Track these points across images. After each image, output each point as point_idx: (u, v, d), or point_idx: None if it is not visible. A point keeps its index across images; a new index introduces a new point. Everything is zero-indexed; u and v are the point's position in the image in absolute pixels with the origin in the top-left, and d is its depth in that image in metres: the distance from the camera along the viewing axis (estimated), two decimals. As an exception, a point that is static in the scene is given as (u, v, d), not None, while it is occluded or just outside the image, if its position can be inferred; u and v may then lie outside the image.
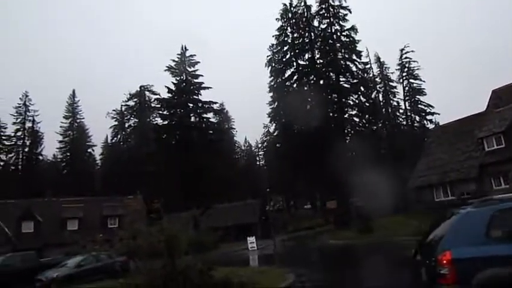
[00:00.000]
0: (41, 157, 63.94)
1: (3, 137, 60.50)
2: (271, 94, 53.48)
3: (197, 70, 54.95)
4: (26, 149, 61.96)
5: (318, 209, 54.69)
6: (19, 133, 61.40)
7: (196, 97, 54.33)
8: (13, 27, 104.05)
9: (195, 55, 55.31)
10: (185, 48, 54.96)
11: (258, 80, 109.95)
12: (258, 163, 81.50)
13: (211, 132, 54.11)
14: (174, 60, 54.27)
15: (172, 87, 53.52)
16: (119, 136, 66.26)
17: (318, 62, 48.31)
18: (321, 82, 46.96)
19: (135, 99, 65.59)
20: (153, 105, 62.14)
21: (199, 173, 44.74)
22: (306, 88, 47.42)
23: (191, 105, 53.76)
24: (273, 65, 51.50)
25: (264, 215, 47.22)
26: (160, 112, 55.14)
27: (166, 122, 53.71)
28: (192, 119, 53.67)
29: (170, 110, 53.19)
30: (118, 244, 9.21)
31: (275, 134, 57.13)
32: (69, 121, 65.57)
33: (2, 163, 60.93)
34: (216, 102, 57.93)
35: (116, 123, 65.83)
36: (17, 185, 53.67)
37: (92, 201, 41.69)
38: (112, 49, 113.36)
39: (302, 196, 63.63)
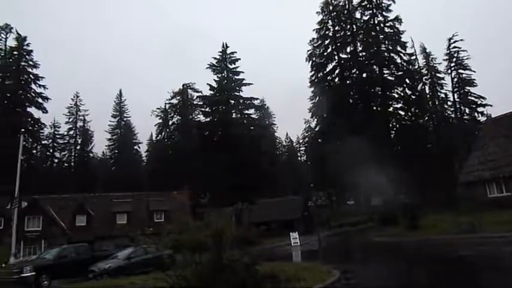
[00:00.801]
0: (91, 154, 67.24)
1: (58, 136, 64.09)
2: (312, 89, 52.89)
3: (238, 67, 55.22)
4: (78, 147, 65.29)
5: (361, 205, 53.54)
6: (71, 132, 64.86)
7: (238, 94, 54.67)
8: (62, 29, 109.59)
9: (235, 52, 55.64)
10: (226, 45, 55.39)
11: (298, 75, 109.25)
12: (299, 159, 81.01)
13: (252, 128, 54.32)
14: (215, 58, 54.88)
15: (214, 85, 54.19)
16: (163, 133, 68.12)
17: (360, 54, 47.17)
18: (364, 75, 45.82)
19: (178, 97, 67.09)
20: (195, 102, 63.29)
21: (241, 168, 45.09)
22: (348, 82, 46.43)
23: (232, 101, 54.17)
24: (314, 59, 50.85)
25: (306, 210, 46.89)
26: (203, 109, 56.03)
27: (208, 119, 54.52)
28: (234, 115, 54.10)
29: (212, 107, 53.89)
30: (166, 237, 9.42)
31: (316, 129, 56.49)
32: (117, 120, 68.32)
33: (56, 160, 64.66)
34: (256, 98, 58.12)
35: (160, 120, 67.73)
36: (70, 180, 56.66)
37: (140, 196, 43.20)
38: (155, 48, 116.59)
39: (345, 192, 62.52)
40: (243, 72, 55.04)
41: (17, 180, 26.58)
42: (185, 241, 8.57)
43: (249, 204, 42.76)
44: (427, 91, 54.56)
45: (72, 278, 17.90)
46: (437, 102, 55.43)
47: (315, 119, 54.43)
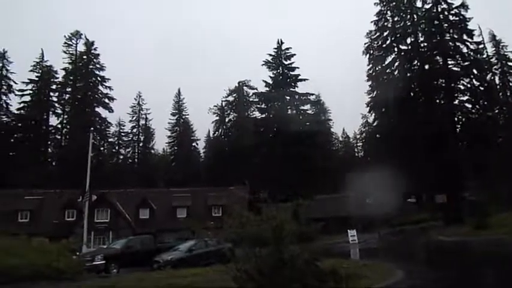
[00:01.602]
0: (153, 151, 70.40)
1: (122, 134, 67.85)
2: (369, 83, 51.25)
3: (293, 63, 55.04)
4: (141, 144, 68.68)
5: (423, 203, 51.09)
6: (134, 130, 68.30)
7: (293, 89, 54.47)
8: (122, 29, 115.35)
9: (290, 48, 55.44)
10: (281, 41, 55.38)
11: (354, 70, 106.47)
12: (356, 154, 79.02)
13: (308, 124, 53.84)
14: (270, 55, 55.09)
15: (270, 81, 54.41)
16: (220, 130, 69.61)
17: (422, 45, 44.77)
18: (426, 67, 43.47)
19: (234, 95, 68.18)
20: (251, 99, 63.98)
21: (298, 164, 44.92)
22: (408, 74, 44.33)
23: (288, 97, 54.05)
24: (372, 52, 49.16)
25: (364, 208, 45.65)
26: (258, 106, 56.51)
27: (264, 115, 54.87)
28: (289, 111, 53.96)
29: (268, 103, 54.15)
30: (226, 231, 9.59)
31: (374, 124, 54.70)
32: (176, 118, 70.78)
33: (121, 157, 68.54)
34: (312, 94, 57.56)
35: (217, 118, 69.25)
36: (134, 176, 59.76)
37: (198, 191, 44.51)
38: (211, 46, 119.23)
39: (405, 189, 59.97)
40: (298, 67, 54.76)
41: (88, 175, 28.53)
42: (245, 235, 8.67)
43: (307, 200, 42.48)
44: (497, 82, 50.69)
45: (138, 267, 18.90)
46: (508, 94, 51.37)
47: (373, 114, 52.72)
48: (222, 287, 8.73)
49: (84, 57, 61.06)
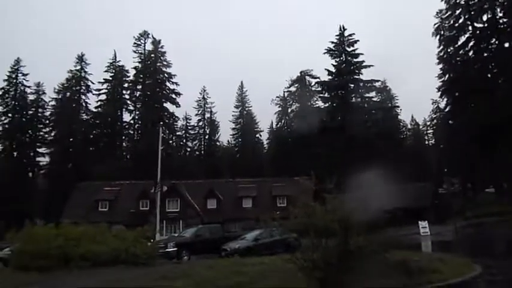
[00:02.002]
0: (218, 143, 72.34)
1: (189, 127, 70.63)
2: (440, 66, 48.16)
3: (357, 49, 53.34)
4: (206, 137, 71.00)
5: (504, 193, 47.18)
6: (200, 123, 70.70)
7: (357, 77, 52.84)
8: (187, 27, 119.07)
9: (353, 34, 53.73)
10: (343, 28, 53.85)
11: (423, 53, 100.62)
12: (426, 142, 74.89)
13: (373, 111, 52.02)
14: (332, 42, 53.84)
15: (332, 69, 53.26)
16: (282, 121, 69.66)
17: (500, 22, 41.08)
18: (506, 45, 39.83)
19: (297, 85, 67.65)
20: (313, 89, 63.12)
21: (363, 154, 43.60)
22: (485, 54, 40.95)
23: (352, 85, 52.58)
24: (442, 33, 46.13)
25: (436, 198, 43.30)
26: (321, 95, 55.64)
27: (327, 105, 53.94)
28: (354, 99, 52.52)
29: (331, 92, 53.16)
30: (292, 221, 9.60)
31: (447, 109, 51.39)
32: (239, 110, 72.01)
33: (189, 149, 71.42)
34: (377, 81, 55.38)
35: (280, 109, 69.34)
36: (201, 167, 61.93)
37: (263, 181, 45.03)
38: (271, 39, 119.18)
39: (483, 179, 55.81)
40: (362, 54, 52.97)
41: (158, 167, 30.08)
42: (311, 225, 8.63)
43: (374, 189, 41.21)
44: None
45: (207, 255, 19.66)
46: None
47: (445, 99, 49.56)
48: (289, 276, 8.78)
49: (152, 55, 64.21)
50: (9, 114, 60.40)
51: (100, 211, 40.53)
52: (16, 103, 60.89)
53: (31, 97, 62.49)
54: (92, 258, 13.53)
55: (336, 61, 53.52)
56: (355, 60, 53.13)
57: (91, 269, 12.69)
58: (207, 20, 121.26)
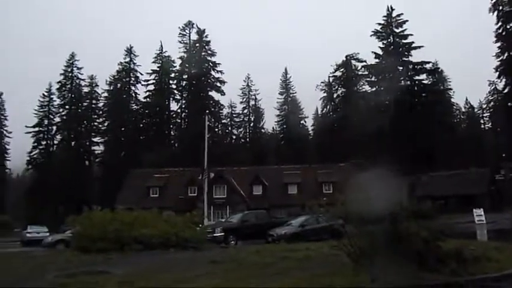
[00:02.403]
0: (263, 130, 72.58)
1: (234, 115, 71.35)
2: (498, 44, 44.99)
3: (405, 30, 51.09)
4: (251, 124, 71.44)
5: None
6: (245, 110, 71.19)
7: (406, 59, 50.68)
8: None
9: (402, 14, 51.40)
10: (391, 8, 51.64)
11: (478, 32, 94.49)
12: (482, 126, 70.73)
13: (424, 95, 49.79)
14: (380, 24, 51.89)
15: (380, 52, 51.42)
16: (328, 107, 68.47)
17: None
18: None
19: (342, 69, 66.06)
20: (360, 73, 61.35)
21: (412, 138, 42.11)
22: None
23: (401, 68, 50.54)
24: (501, 8, 42.99)
25: (493, 185, 41.00)
26: (368, 79, 53.98)
27: (374, 89, 52.33)
28: (402, 82, 50.51)
29: (378, 75, 51.44)
30: (338, 207, 9.49)
31: (505, 91, 48.11)
32: (284, 96, 71.51)
33: (234, 137, 72.28)
34: (428, 62, 52.73)
35: (325, 94, 68.11)
36: (246, 154, 62.52)
37: (309, 168, 44.77)
38: (316, 23, 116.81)
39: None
40: (411, 35, 50.68)
41: (205, 155, 30.77)
42: (358, 212, 8.49)
43: (424, 176, 39.73)
44: None
45: (254, 240, 19.95)
46: None
47: (503, 79, 46.38)
48: (335, 262, 8.73)
49: (197, 45, 65.16)
50: (67, 106, 64.12)
51: (151, 197, 42.27)
52: (72, 95, 64.46)
53: (85, 89, 65.91)
54: (144, 242, 14.18)
55: (383, 43, 51.62)
56: (403, 41, 50.94)
57: (144, 252, 13.31)
58: (250, 6, 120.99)
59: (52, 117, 64.08)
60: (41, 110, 63.64)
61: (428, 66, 52.98)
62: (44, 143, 63.18)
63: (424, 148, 42.46)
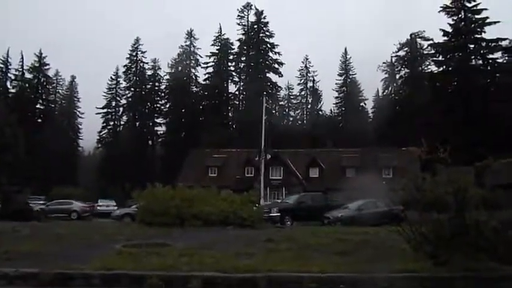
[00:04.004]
0: (320, 112, 71.37)
1: (291, 97, 70.99)
2: None
3: (479, 4, 47.03)
4: (309, 106, 70.63)
5: None
6: (303, 92, 70.61)
7: (479, 36, 46.85)
8: None
9: (474, -14, 47.36)
10: (463, -20, 47.70)
11: None
12: None
13: (498, 75, 45.92)
14: (449, -2, 48.22)
15: (448, 29, 47.96)
16: (390, 88, 65.68)
17: None
18: None
19: (406, 49, 62.74)
20: (425, 52, 57.89)
21: (483, 123, 39.20)
22: None
23: (472, 46, 46.91)
24: None
25: None
26: (435, 58, 50.72)
27: (441, 69, 49.14)
28: (474, 61, 46.91)
29: (446, 54, 48.15)
30: (399, 192, 9.15)
31: None
32: (343, 78, 69.69)
33: (291, 119, 71.96)
34: (504, 39, 48.24)
35: (387, 75, 65.26)
36: (303, 136, 62.03)
37: (368, 151, 43.54)
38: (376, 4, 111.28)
39: None
40: (486, 9, 46.60)
41: (262, 136, 31.06)
42: (421, 197, 8.10)
43: (496, 163, 36.98)
44: None
45: (309, 222, 19.96)
46: None
47: None
48: (394, 247, 8.47)
49: (255, 26, 65.15)
50: (132, 89, 67.69)
51: (210, 176, 43.62)
52: (137, 78, 67.70)
53: (149, 72, 68.85)
54: (203, 218, 14.70)
55: (453, 19, 48.03)
56: (476, 17, 47.04)
57: (203, 228, 13.83)
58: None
59: (119, 99, 68.16)
60: (109, 92, 67.90)
61: (504, 43, 48.53)
62: (111, 123, 67.52)
63: (497, 133, 39.38)
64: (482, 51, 46.82)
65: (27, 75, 64.56)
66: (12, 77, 63.40)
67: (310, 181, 40.79)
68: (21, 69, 63.76)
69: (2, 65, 62.14)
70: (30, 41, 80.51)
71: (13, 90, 63.72)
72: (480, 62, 47.35)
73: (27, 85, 64.15)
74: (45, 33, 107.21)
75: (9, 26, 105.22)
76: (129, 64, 67.82)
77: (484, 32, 46.66)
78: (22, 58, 63.50)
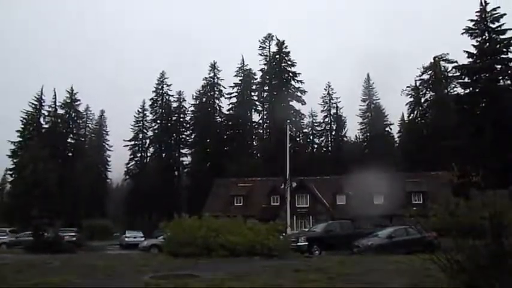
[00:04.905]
0: (345, 139, 70.75)
1: (315, 124, 70.82)
2: None
3: (503, 24, 46.35)
4: (333, 133, 70.14)
5: None
6: (326, 119, 70.19)
7: (505, 56, 45.95)
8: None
9: (498, 7, 46.84)
10: (485, 2, 47.36)
11: None
12: None
13: (528, 94, 44.53)
14: (472, 20, 47.80)
15: (473, 51, 47.29)
16: (415, 112, 64.60)
17: None
18: None
19: (430, 72, 62.12)
20: (450, 74, 57.10)
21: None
22: None
23: (499, 66, 45.96)
24: None
25: None
26: (461, 80, 49.83)
27: (468, 91, 48.16)
28: (502, 82, 45.82)
29: (472, 76, 47.21)
30: (432, 218, 8.83)
31: None
32: (367, 103, 69.33)
33: (316, 146, 71.58)
34: (532, 58, 47.21)
35: (411, 99, 64.40)
36: (328, 163, 61.45)
37: (395, 177, 42.51)
38: (398, 25, 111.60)
39: None
40: (510, 29, 45.83)
41: (287, 164, 30.89)
42: (455, 223, 7.79)
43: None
44: None
45: (338, 251, 19.41)
46: None
47: None
48: (429, 276, 8.11)
49: (277, 56, 66.20)
50: (158, 121, 69.40)
51: (235, 205, 43.47)
52: (163, 111, 69.48)
53: (174, 104, 70.63)
54: (229, 248, 14.55)
55: (477, 41, 47.35)
56: (501, 37, 46.27)
57: (229, 258, 13.66)
58: (327, 13, 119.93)
59: (145, 131, 69.83)
60: (136, 125, 69.76)
61: (532, 62, 47.46)
62: (139, 155, 69.00)
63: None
64: (509, 71, 45.79)
65: (60, 111, 67.15)
66: (46, 113, 66.05)
67: (337, 208, 40.00)
68: (53, 105, 66.39)
69: (36, 102, 64.84)
70: (62, 78, 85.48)
71: (46, 126, 66.16)
72: (508, 82, 46.24)
73: (59, 120, 66.57)
74: (76, 70, 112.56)
75: (44, 64, 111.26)
76: (155, 97, 69.85)
77: (511, 51, 45.78)
78: (55, 95, 66.27)
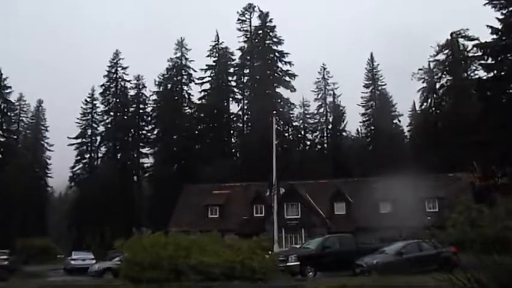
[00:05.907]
0: (344, 133, 70.93)
1: (308, 116, 70.63)
2: None
3: (533, -7, 47.54)
4: (330, 126, 70.22)
5: None
6: (321, 110, 70.13)
7: (536, 32, 47.17)
8: None
9: (527, -27, 47.96)
10: (512, -34, 48.42)
11: None
12: None
13: None
14: (498, -13, 48.79)
15: (498, 25, 48.31)
16: (429, 100, 65.53)
17: None
18: None
19: (446, 51, 63.13)
20: (470, 54, 58.19)
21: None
22: None
23: (529, 44, 47.15)
24: None
25: None
26: (483, 62, 50.88)
27: (492, 74, 49.24)
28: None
29: (497, 56, 48.28)
30: (450, 230, 9.06)
31: None
32: (370, 90, 69.71)
33: (308, 142, 71.60)
34: None
35: (424, 84, 65.23)
36: (324, 164, 61.86)
37: (406, 180, 43.07)
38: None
39: None
40: (542, -2, 47.04)
41: (273, 165, 31.03)
42: (477, 235, 8.02)
43: None
44: None
45: (337, 271, 19.64)
46: None
47: None
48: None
49: (260, 31, 66.12)
50: (111, 113, 68.50)
51: (210, 218, 43.45)
52: (117, 100, 68.59)
53: (131, 92, 69.80)
54: (203, 271, 14.57)
55: (502, 13, 48.36)
56: (533, 8, 47.48)
57: (203, 283, 13.68)
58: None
59: (96, 126, 68.83)
60: (84, 118, 68.59)
61: None
62: (87, 156, 68.04)
63: None
64: (542, 50, 47.09)
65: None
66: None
67: (336, 219, 40.36)
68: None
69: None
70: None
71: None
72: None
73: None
74: (5, 51, 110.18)
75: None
76: (108, 83, 68.75)
77: (543, 26, 47.05)
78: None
